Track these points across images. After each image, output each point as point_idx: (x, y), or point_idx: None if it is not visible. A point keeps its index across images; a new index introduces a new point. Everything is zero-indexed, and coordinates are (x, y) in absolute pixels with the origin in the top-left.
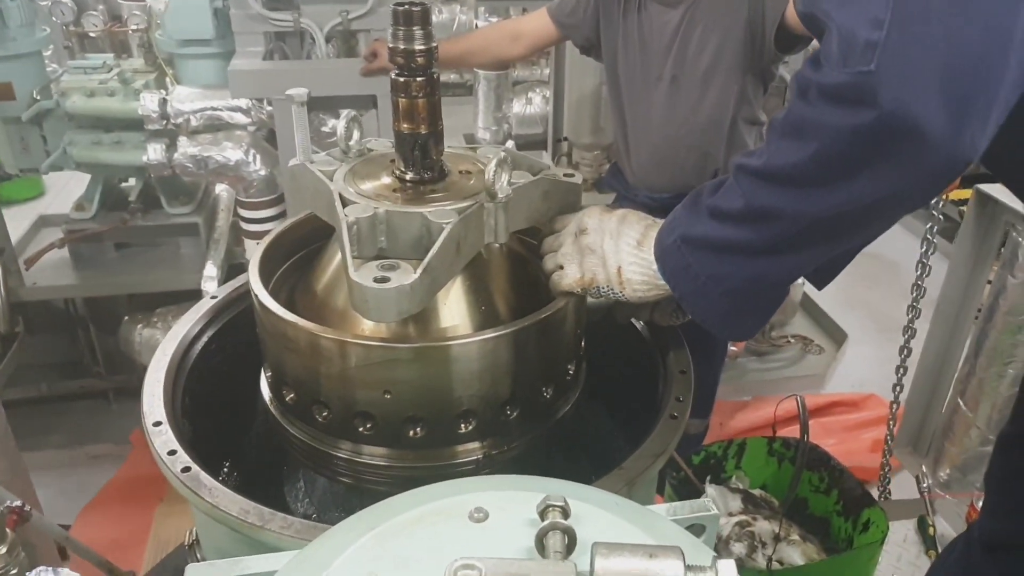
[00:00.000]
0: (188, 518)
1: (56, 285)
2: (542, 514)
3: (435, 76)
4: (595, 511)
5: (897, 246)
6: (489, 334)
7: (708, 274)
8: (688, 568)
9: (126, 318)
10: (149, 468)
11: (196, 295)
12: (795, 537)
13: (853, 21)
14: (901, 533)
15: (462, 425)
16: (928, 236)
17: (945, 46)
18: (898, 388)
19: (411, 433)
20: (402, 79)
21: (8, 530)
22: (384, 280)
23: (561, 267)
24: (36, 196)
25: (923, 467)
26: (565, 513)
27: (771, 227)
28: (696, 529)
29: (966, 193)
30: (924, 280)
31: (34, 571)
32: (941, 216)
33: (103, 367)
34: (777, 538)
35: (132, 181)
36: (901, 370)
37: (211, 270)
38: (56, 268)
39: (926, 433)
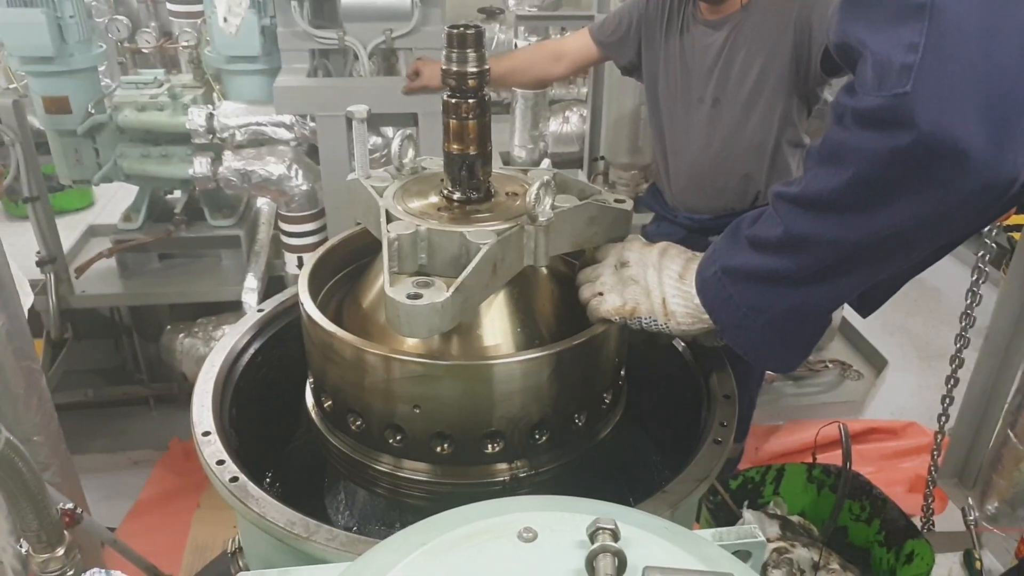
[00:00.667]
0: (224, 524)
1: (103, 294)
2: (592, 536)
3: (486, 98)
4: (644, 535)
5: (939, 272)
6: (517, 357)
7: (749, 305)
8: None
9: (168, 327)
10: (185, 475)
11: (236, 306)
12: (835, 566)
13: (888, 46)
14: (946, 567)
15: (489, 445)
16: (980, 265)
17: (982, 66)
18: (944, 418)
19: (439, 449)
20: (454, 100)
21: (65, 532)
22: (417, 296)
23: (600, 294)
24: (86, 206)
25: (969, 499)
26: (615, 536)
27: (810, 255)
28: (742, 555)
29: (1020, 219)
30: (974, 309)
31: (88, 572)
32: (994, 244)
33: (145, 374)
34: (816, 566)
35: (177, 193)
36: (947, 400)
37: (251, 282)
38: (103, 277)
39: (972, 465)
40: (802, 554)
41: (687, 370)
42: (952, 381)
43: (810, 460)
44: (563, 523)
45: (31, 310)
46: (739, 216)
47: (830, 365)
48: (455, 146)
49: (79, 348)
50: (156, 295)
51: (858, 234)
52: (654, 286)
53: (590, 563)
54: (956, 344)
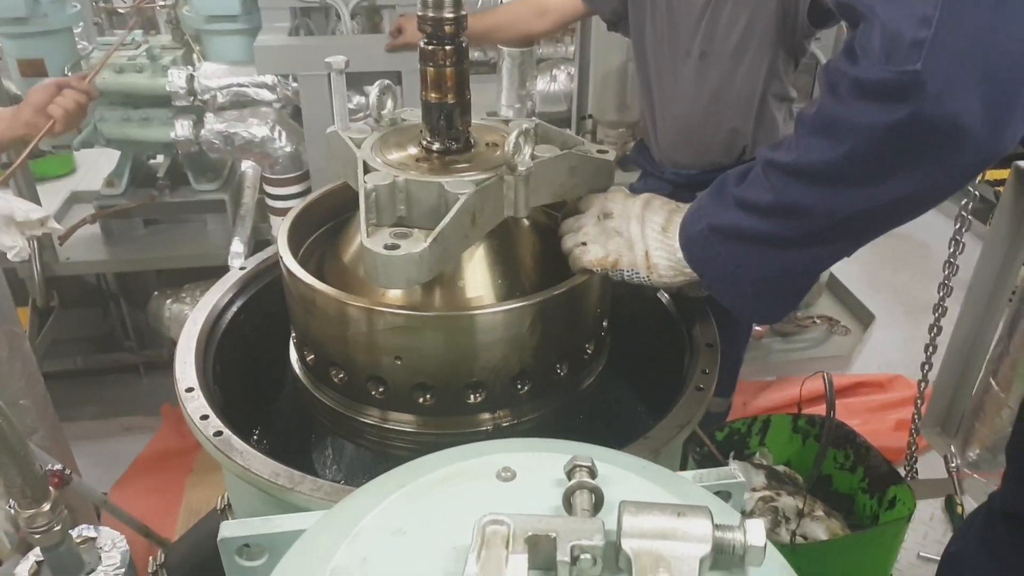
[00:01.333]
0: (218, 488)
1: (88, 260)
2: (569, 474)
3: (463, 45)
4: (622, 473)
5: (926, 227)
6: (497, 308)
7: (737, 263)
8: (716, 527)
9: (155, 293)
10: (179, 441)
11: (223, 271)
12: (819, 513)
13: (899, 18)
14: (928, 512)
15: (472, 395)
16: (963, 213)
17: (989, 42)
18: (927, 367)
19: (421, 400)
20: (430, 47)
21: (51, 488)
22: (394, 247)
23: (583, 245)
24: (68, 173)
25: (952, 447)
26: (592, 473)
27: (802, 223)
28: (723, 496)
29: (1003, 173)
30: (957, 258)
31: (76, 528)
32: (977, 193)
33: (134, 341)
34: (801, 513)
35: (160, 158)
36: (930, 348)
37: (237, 246)
38: (88, 244)
39: (955, 413)
40: (787, 502)
41: (670, 320)
42: (935, 330)
43: (796, 412)
44: (541, 462)
45: (16, 278)
46: (722, 169)
47: (817, 321)
48: (433, 94)
49: (67, 316)
50: (142, 261)
51: (853, 205)
52: (637, 238)
53: (567, 499)
54: (939, 293)
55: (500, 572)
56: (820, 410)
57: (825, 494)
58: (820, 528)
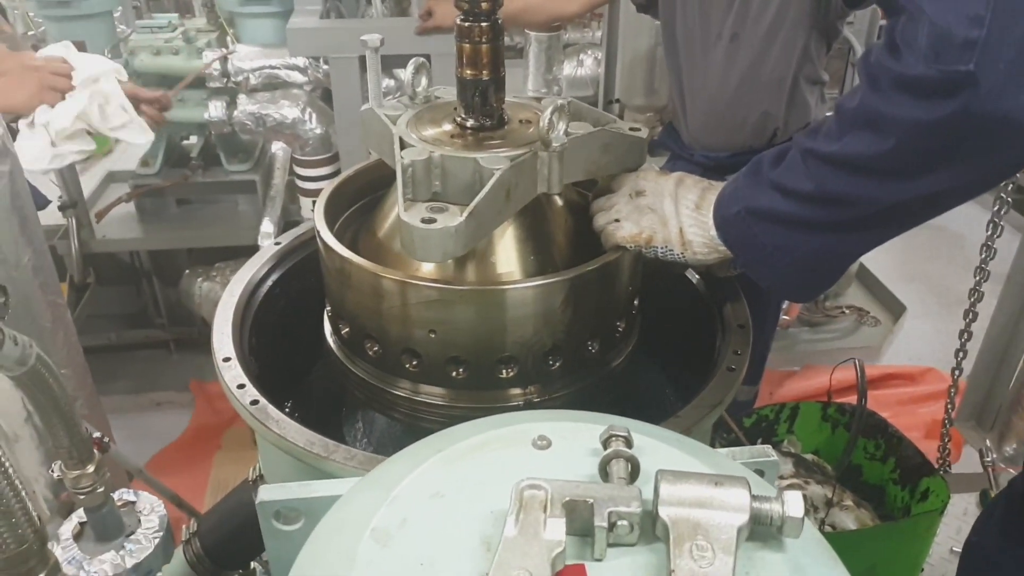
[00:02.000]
0: (246, 465)
1: (123, 238)
2: (605, 443)
3: (499, 22)
4: (657, 444)
5: (960, 218)
6: (530, 282)
7: (775, 245)
8: (754, 498)
9: (187, 271)
10: (208, 418)
11: (253, 251)
12: (848, 503)
13: (949, 16)
14: (961, 506)
15: (504, 370)
16: (1002, 195)
17: None
18: (961, 354)
19: (454, 373)
20: (466, 24)
21: (95, 450)
22: (431, 221)
23: (616, 221)
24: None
25: (987, 441)
26: (628, 443)
27: (842, 211)
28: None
29: None
30: (995, 241)
31: (116, 492)
32: (1009, 200)
33: (165, 318)
34: (830, 503)
35: (193, 139)
36: (965, 335)
37: (267, 226)
38: (123, 222)
39: (991, 407)
40: (816, 491)
41: (701, 302)
42: (971, 315)
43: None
44: (577, 432)
45: (55, 254)
46: (751, 152)
47: (847, 311)
48: (468, 71)
49: (102, 293)
50: (174, 239)
51: (895, 196)
52: (671, 215)
53: (603, 468)
54: (975, 277)
55: (538, 535)
56: (849, 400)
57: (855, 484)
58: (849, 518)
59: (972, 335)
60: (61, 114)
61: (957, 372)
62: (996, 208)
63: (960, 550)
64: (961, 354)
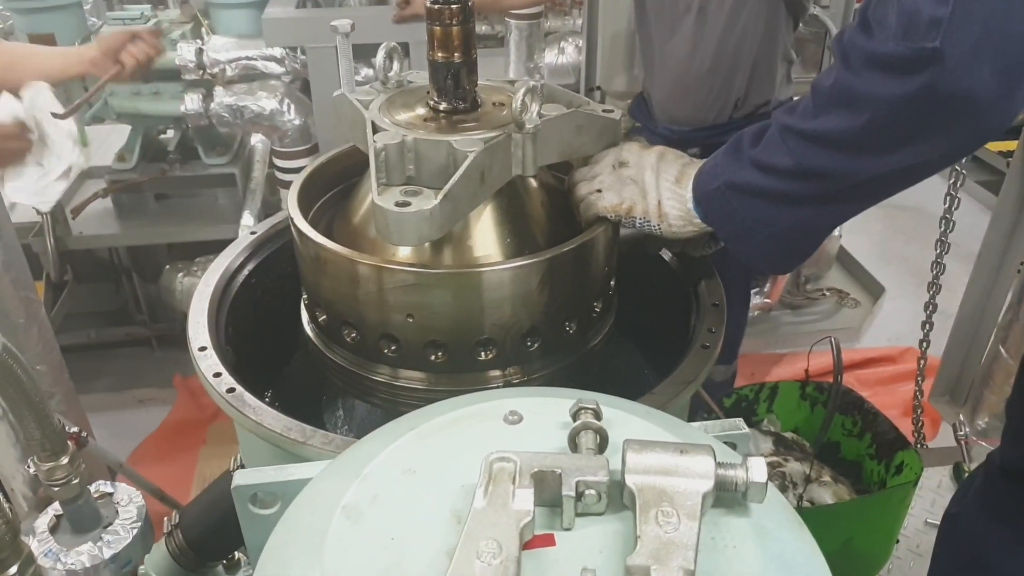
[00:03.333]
0: (231, 458)
1: (100, 234)
2: (574, 416)
3: (469, 4)
4: (626, 416)
5: (938, 200)
6: (506, 264)
7: (755, 218)
8: (719, 464)
9: (167, 267)
10: (192, 413)
11: None
12: (826, 478)
13: None
14: (936, 479)
15: (482, 353)
16: (952, 192)
17: (1001, 17)
18: (927, 326)
19: (433, 357)
20: (436, 6)
21: (70, 442)
22: (405, 204)
23: (598, 191)
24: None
25: (960, 415)
26: (597, 415)
27: (819, 184)
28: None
29: (1012, 144)
30: (952, 214)
31: (93, 484)
32: (964, 173)
33: (146, 315)
34: (808, 479)
35: (170, 132)
36: (931, 307)
37: (248, 219)
38: (100, 218)
39: (964, 382)
40: (795, 468)
41: (676, 281)
42: (935, 288)
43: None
44: (547, 407)
45: (30, 252)
46: (713, 128)
47: (827, 293)
48: (440, 54)
49: (80, 291)
50: (153, 235)
51: (870, 170)
52: (651, 187)
53: (572, 440)
54: (932, 271)
55: (507, 506)
56: (830, 379)
57: (833, 460)
58: (827, 493)
59: (937, 307)
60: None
61: (925, 344)
62: (952, 181)
63: (935, 522)
64: (928, 326)
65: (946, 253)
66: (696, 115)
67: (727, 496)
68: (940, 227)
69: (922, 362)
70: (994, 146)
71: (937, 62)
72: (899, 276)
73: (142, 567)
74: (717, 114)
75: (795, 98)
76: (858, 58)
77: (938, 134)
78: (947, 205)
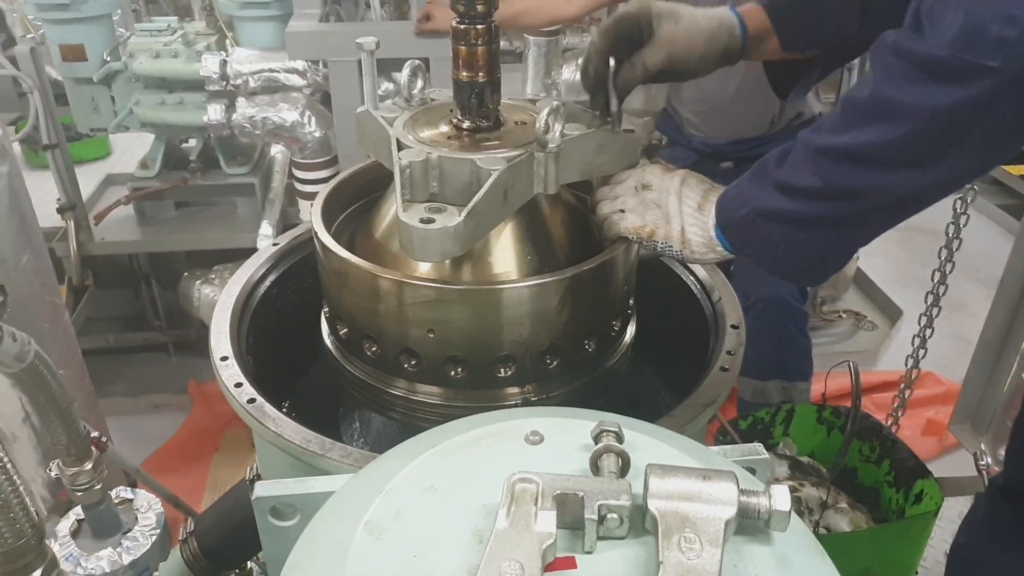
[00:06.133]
0: (243, 466)
1: (121, 241)
2: (596, 438)
3: (494, 25)
4: (647, 440)
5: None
6: (527, 282)
7: (787, 243)
8: (742, 491)
9: (185, 274)
10: (205, 420)
11: (251, 254)
12: (843, 505)
13: (984, 12)
14: (956, 509)
15: (502, 369)
16: (958, 209)
17: None
18: (918, 340)
19: (452, 373)
20: (462, 26)
21: (93, 448)
22: (429, 221)
23: (621, 211)
24: (103, 156)
25: (982, 444)
26: (619, 438)
27: (851, 204)
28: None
29: None
30: (960, 219)
31: (114, 490)
32: (975, 188)
33: (164, 321)
34: (824, 505)
35: (193, 142)
36: (925, 318)
37: (266, 229)
38: (121, 224)
39: (985, 410)
40: (811, 493)
41: (696, 302)
42: (931, 297)
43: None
44: (568, 428)
45: (54, 257)
46: (749, 141)
47: (844, 315)
48: (464, 73)
49: (100, 296)
50: (173, 242)
51: (905, 187)
52: (674, 213)
53: (594, 462)
54: (933, 280)
55: (529, 527)
56: (845, 402)
57: (850, 487)
58: (844, 520)
59: (934, 318)
60: None
61: (912, 358)
62: (960, 196)
63: None
64: (918, 340)
65: (950, 261)
66: (731, 131)
67: (749, 523)
68: (947, 233)
69: (914, 374)
70: (1015, 169)
71: (993, 79)
72: (917, 299)
73: (157, 573)
74: (753, 128)
75: (820, 113)
76: (905, 60)
77: (978, 146)
78: (954, 220)
